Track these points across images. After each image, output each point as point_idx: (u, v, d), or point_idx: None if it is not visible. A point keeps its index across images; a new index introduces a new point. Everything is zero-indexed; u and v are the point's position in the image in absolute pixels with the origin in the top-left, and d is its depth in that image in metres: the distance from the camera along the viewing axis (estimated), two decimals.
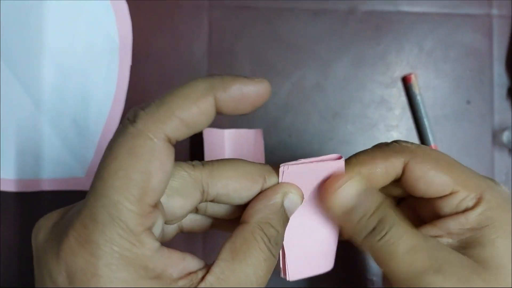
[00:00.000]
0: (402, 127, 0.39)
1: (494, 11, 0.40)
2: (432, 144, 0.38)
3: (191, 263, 0.20)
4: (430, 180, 0.23)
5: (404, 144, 0.24)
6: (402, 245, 0.22)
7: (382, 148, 0.24)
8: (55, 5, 0.37)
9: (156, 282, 0.18)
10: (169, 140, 0.19)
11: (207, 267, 0.20)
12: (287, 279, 0.24)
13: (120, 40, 0.38)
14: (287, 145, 0.38)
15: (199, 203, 0.22)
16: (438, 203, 0.23)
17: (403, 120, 0.39)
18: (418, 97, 0.38)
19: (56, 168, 0.37)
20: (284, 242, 0.23)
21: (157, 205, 0.19)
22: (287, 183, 0.23)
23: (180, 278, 0.19)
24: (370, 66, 0.39)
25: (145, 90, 0.38)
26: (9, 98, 0.37)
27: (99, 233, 0.17)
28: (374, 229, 0.22)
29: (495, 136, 0.39)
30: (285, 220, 0.22)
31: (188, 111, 0.19)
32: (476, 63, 0.39)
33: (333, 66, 0.39)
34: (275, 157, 0.38)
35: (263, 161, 0.28)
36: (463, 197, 0.23)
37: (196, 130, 0.20)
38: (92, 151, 0.37)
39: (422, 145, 0.25)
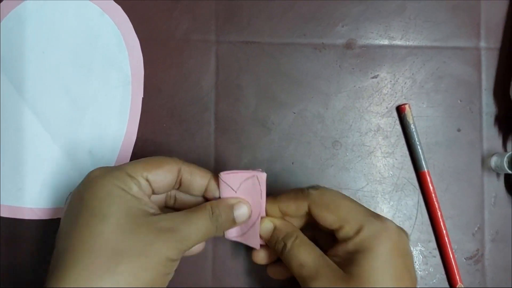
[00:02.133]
0: (397, 153, 0.42)
1: (482, 44, 0.43)
2: (425, 170, 0.41)
3: (159, 209, 0.32)
4: (323, 218, 0.32)
5: (311, 190, 0.33)
6: (295, 260, 0.32)
7: (296, 193, 0.34)
8: (72, 41, 0.39)
9: (138, 199, 0.31)
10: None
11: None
12: (225, 236, 0.34)
13: (133, 75, 0.40)
14: (290, 171, 0.41)
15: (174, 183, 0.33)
16: (335, 233, 0.32)
17: (398, 147, 0.42)
18: (412, 126, 0.41)
19: None
20: None
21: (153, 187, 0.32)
22: (243, 199, 0.33)
23: (151, 208, 0.31)
24: (367, 98, 0.42)
25: (156, 122, 0.40)
26: (27, 131, 0.39)
27: None
28: (281, 249, 0.33)
29: (484, 161, 0.42)
30: (230, 215, 0.33)
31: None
32: (466, 93, 0.42)
33: (333, 98, 0.41)
34: (280, 183, 0.41)
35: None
36: (347, 230, 0.31)
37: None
38: None
39: (324, 190, 0.33)
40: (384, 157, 0.41)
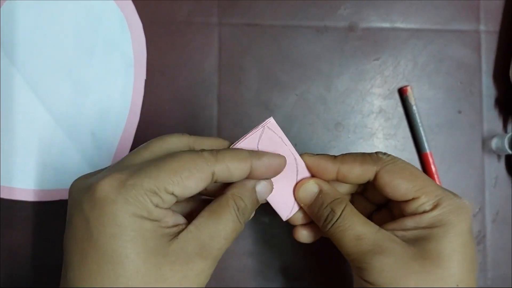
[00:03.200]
0: (399, 135, 0.42)
1: (482, 27, 0.43)
2: (428, 151, 0.41)
3: (179, 218, 0.27)
4: (395, 186, 0.28)
5: (381, 155, 0.30)
6: (350, 232, 0.28)
7: (364, 155, 0.30)
8: (73, 23, 0.39)
9: (157, 222, 0.25)
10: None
11: (186, 222, 0.27)
12: (283, 219, 0.31)
13: (135, 57, 0.40)
14: None
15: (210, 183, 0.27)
16: (404, 205, 0.28)
17: (400, 129, 0.42)
18: (414, 108, 0.41)
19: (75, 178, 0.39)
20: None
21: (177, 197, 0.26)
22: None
23: (172, 226, 0.26)
24: (369, 80, 0.42)
25: (159, 104, 0.40)
26: (29, 113, 0.39)
27: None
28: (326, 218, 0.29)
29: (485, 143, 0.42)
30: (255, 200, 0.28)
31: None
32: (466, 76, 0.43)
33: (335, 80, 0.42)
34: None
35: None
36: (423, 202, 0.28)
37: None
38: (109, 162, 0.39)
39: (395, 158, 0.30)
40: (386, 138, 0.42)
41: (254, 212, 0.30)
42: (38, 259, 0.39)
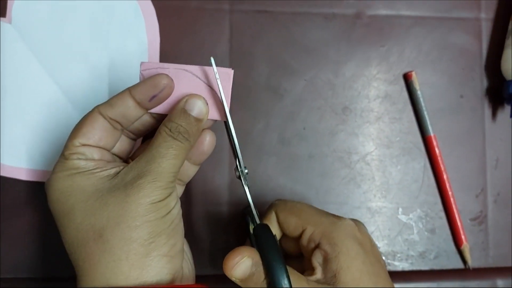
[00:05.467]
0: (404, 119, 0.43)
1: (483, 15, 0.45)
2: (432, 134, 0.43)
3: (119, 163, 0.30)
4: (287, 222, 0.32)
5: (276, 202, 0.34)
6: None
7: (269, 205, 0.34)
8: (89, 10, 0.40)
9: (88, 172, 0.29)
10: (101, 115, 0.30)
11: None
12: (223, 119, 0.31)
13: (149, 42, 0.41)
14: (302, 136, 0.42)
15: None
16: (300, 242, 0.32)
17: (405, 113, 0.43)
18: (418, 92, 0.43)
19: None
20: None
21: (87, 145, 0.30)
22: (191, 94, 0.30)
23: (112, 167, 0.29)
24: (375, 66, 0.43)
25: None
26: (46, 97, 0.40)
27: None
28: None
29: (485, 126, 0.44)
30: (189, 117, 0.29)
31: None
32: (468, 62, 0.44)
33: (342, 66, 0.43)
34: (292, 147, 0.42)
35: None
36: (310, 232, 0.31)
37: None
38: None
39: (287, 200, 0.34)
40: (392, 122, 0.43)
41: (209, 136, 0.32)
42: (51, 239, 0.40)
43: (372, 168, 0.43)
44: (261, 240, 0.29)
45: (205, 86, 0.30)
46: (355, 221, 0.32)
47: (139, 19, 0.41)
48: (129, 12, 0.41)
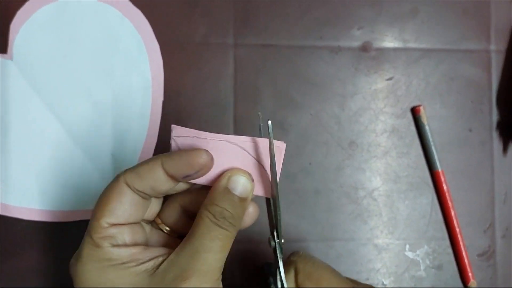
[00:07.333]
0: (412, 153, 0.43)
1: (492, 47, 0.44)
2: (439, 170, 0.42)
3: (158, 250, 0.26)
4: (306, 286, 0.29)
5: (294, 259, 0.31)
6: None
7: (287, 261, 0.31)
8: (93, 45, 0.40)
9: (123, 266, 0.25)
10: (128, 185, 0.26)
11: (170, 252, 0.26)
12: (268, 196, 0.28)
13: (153, 78, 0.40)
14: (308, 172, 0.42)
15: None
16: None
17: (413, 147, 0.43)
18: (426, 128, 0.42)
19: (95, 199, 0.39)
20: None
21: (117, 224, 0.26)
22: (235, 168, 0.27)
23: (149, 260, 0.26)
24: (382, 99, 0.43)
25: (176, 124, 0.41)
26: (49, 135, 0.39)
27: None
28: None
29: (494, 160, 0.43)
30: (233, 199, 0.26)
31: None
32: (477, 95, 0.43)
33: (349, 99, 0.42)
34: (297, 183, 0.41)
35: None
36: None
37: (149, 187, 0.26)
38: None
39: (306, 258, 0.31)
40: (399, 157, 0.42)
41: (253, 208, 0.28)
42: (59, 278, 0.39)
43: (379, 203, 0.42)
44: None
45: (250, 158, 0.27)
46: None
47: (143, 54, 0.40)
48: (133, 46, 0.40)
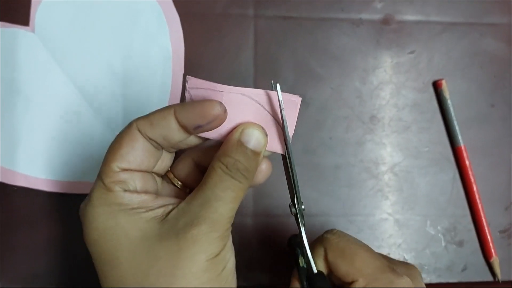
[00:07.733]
0: (433, 129, 0.42)
1: None
2: (462, 145, 0.41)
3: (169, 200, 0.27)
4: (337, 265, 0.28)
5: (327, 236, 0.29)
6: None
7: (318, 237, 0.30)
8: (112, 18, 0.39)
9: (133, 211, 0.25)
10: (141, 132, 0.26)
11: (180, 202, 0.26)
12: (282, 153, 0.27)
13: (173, 50, 0.40)
14: (328, 146, 0.41)
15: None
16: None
17: (434, 123, 0.42)
18: (449, 102, 0.41)
19: None
20: None
21: (128, 169, 0.26)
22: (247, 122, 0.26)
23: (159, 207, 0.26)
24: (403, 73, 0.42)
25: None
26: (71, 108, 0.39)
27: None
28: None
29: None
30: (247, 151, 0.25)
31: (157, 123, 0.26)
32: (500, 70, 0.43)
33: (370, 73, 0.42)
34: (317, 157, 0.41)
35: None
36: (363, 285, 0.27)
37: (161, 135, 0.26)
38: None
39: (340, 236, 0.29)
40: (420, 132, 0.42)
41: (266, 165, 0.28)
42: (69, 250, 0.39)
43: (400, 179, 0.42)
44: None
45: (264, 113, 0.26)
46: (413, 273, 0.29)
47: (163, 26, 0.40)
48: (153, 19, 0.40)
